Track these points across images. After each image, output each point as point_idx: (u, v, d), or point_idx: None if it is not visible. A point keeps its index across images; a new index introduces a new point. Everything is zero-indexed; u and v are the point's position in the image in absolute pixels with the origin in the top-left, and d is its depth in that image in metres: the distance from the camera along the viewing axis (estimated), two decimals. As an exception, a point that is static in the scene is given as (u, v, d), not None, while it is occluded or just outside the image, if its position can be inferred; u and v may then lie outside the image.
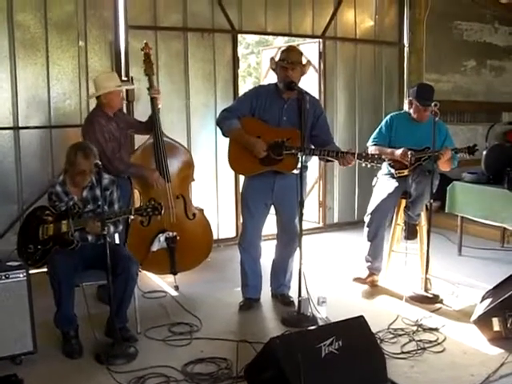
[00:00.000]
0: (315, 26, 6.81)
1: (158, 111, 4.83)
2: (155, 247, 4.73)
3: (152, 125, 4.81)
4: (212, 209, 6.19)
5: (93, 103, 4.78)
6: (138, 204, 4.91)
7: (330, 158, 4.15)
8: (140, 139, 5.12)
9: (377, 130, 4.94)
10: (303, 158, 4.04)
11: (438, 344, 3.79)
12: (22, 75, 5.21)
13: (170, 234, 4.76)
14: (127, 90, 5.47)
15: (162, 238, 4.74)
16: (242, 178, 4.73)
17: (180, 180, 4.95)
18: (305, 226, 4.25)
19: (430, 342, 3.81)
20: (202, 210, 5.06)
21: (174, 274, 4.86)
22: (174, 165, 4.92)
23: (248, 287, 4.54)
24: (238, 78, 6.48)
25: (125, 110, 5.52)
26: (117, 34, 5.60)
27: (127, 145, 4.85)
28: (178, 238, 4.78)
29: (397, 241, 5.02)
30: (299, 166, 4.09)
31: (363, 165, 4.09)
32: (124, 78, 5.54)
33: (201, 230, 5.02)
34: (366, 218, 4.88)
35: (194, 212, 4.98)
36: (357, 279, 4.92)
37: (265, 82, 6.47)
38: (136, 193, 4.91)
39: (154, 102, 4.82)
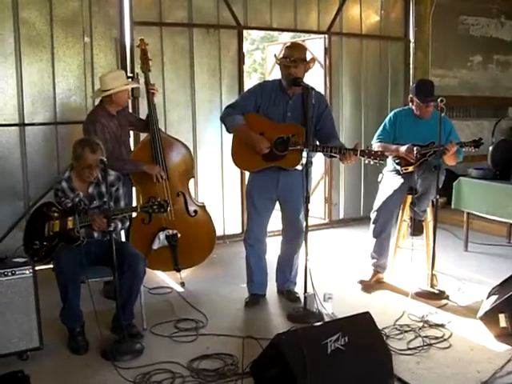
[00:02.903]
0: (321, 22, 6.80)
1: (154, 108, 4.83)
2: (156, 245, 4.74)
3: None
4: (218, 205, 6.21)
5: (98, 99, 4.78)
6: (135, 202, 4.92)
7: (333, 154, 4.14)
8: (143, 136, 5.13)
9: (381, 127, 4.91)
10: (308, 153, 4.03)
11: (445, 340, 3.78)
12: (27, 72, 5.22)
13: (170, 231, 4.76)
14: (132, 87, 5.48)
15: (161, 236, 4.74)
16: (247, 173, 4.72)
17: (179, 177, 4.93)
18: (310, 222, 4.24)
19: (436, 338, 3.80)
20: (203, 206, 5.05)
21: (178, 271, 4.86)
22: (172, 162, 4.89)
23: (254, 283, 4.54)
24: (244, 74, 6.47)
25: (130, 106, 5.53)
26: (122, 31, 5.60)
27: (128, 142, 4.85)
28: (178, 235, 4.78)
29: (403, 237, 5.01)
30: (303, 161, 4.08)
31: (365, 161, 4.07)
32: (129, 74, 5.53)
33: (203, 226, 5.00)
34: (372, 215, 4.86)
35: (195, 209, 4.97)
36: (362, 282, 4.88)
37: (270, 78, 6.45)
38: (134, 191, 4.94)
39: (150, 97, 4.82)
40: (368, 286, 4.82)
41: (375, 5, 7.17)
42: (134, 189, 4.96)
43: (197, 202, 5.11)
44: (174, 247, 4.78)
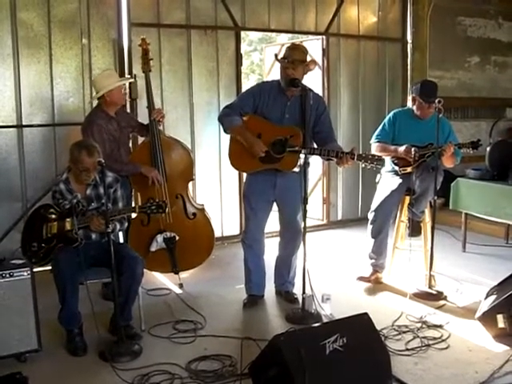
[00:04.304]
0: (318, 23, 6.81)
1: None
2: (153, 248, 4.73)
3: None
4: (216, 206, 6.20)
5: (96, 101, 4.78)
6: (134, 204, 4.92)
7: (330, 157, 4.14)
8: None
9: (380, 126, 4.92)
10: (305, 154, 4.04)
11: (443, 341, 3.79)
12: (25, 73, 5.21)
13: (168, 234, 4.75)
14: (130, 88, 5.48)
15: (159, 238, 4.73)
16: (245, 175, 4.72)
17: (179, 179, 4.90)
18: (308, 222, 4.25)
19: (435, 338, 3.81)
20: (202, 209, 5.03)
21: (176, 273, 4.85)
22: (172, 164, 4.86)
23: (252, 284, 4.54)
24: (241, 75, 6.47)
25: (128, 108, 5.53)
26: (120, 32, 5.60)
27: (127, 144, 4.84)
28: (177, 238, 4.77)
29: (401, 238, 5.02)
30: (301, 162, 4.07)
31: (362, 166, 4.07)
32: (127, 76, 5.53)
33: (201, 229, 4.97)
34: (370, 215, 4.87)
35: (193, 211, 4.94)
36: (361, 278, 4.92)
37: (268, 79, 6.45)
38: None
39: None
40: (367, 281, 4.87)
41: (373, 6, 7.17)
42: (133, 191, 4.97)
43: (196, 204, 5.08)
44: (171, 250, 4.77)
